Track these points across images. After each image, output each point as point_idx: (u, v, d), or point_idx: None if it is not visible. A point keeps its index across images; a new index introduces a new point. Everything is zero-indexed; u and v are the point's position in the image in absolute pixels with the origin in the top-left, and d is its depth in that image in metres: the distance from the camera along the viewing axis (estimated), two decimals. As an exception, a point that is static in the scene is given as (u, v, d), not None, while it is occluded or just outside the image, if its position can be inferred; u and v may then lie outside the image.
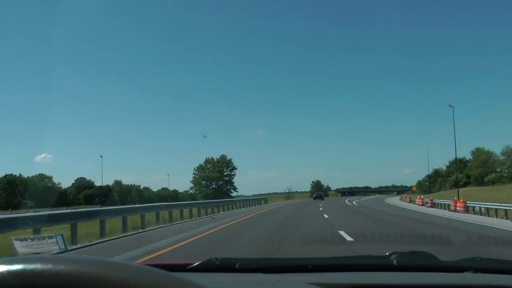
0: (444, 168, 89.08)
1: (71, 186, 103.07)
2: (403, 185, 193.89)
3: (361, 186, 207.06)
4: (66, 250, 3.67)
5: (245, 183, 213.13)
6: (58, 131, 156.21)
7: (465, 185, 68.57)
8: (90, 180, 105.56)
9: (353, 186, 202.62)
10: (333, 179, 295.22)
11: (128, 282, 0.57)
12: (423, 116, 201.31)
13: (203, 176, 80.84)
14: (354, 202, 46.36)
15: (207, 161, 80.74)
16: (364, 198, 76.84)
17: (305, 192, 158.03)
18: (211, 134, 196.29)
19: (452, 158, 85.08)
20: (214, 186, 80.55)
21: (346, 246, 8.15)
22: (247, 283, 1.53)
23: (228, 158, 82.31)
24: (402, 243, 8.19)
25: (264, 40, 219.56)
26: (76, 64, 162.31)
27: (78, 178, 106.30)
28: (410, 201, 42.14)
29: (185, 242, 9.62)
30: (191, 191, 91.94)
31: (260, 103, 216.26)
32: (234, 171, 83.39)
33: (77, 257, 0.61)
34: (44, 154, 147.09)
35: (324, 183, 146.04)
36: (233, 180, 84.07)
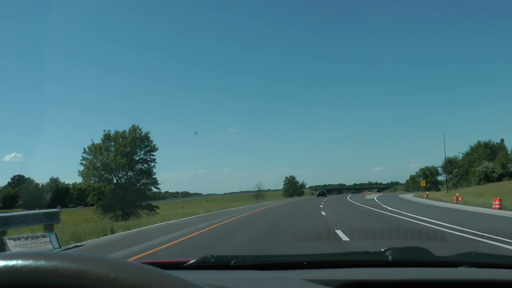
0: (460, 156, 70.31)
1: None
2: (378, 182, 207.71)
3: (336, 184, 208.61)
4: (60, 249, 3.22)
5: (217, 182, 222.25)
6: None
7: (499, 178, 49.04)
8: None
9: (327, 184, 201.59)
10: (307, 178, 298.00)
11: (108, 276, 0.56)
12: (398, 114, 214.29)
13: (99, 162, 40.95)
14: (374, 207, 26.47)
15: (107, 137, 42.00)
16: (357, 196, 59.03)
17: (277, 190, 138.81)
18: (184, 131, 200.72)
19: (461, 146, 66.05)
20: (119, 179, 42.63)
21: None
22: (242, 280, 1.51)
23: (143, 132, 43.36)
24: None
25: (240, 43, 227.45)
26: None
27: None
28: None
29: None
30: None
31: (233, 103, 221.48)
32: (153, 154, 44.16)
33: (58, 253, 0.61)
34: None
35: (299, 179, 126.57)
36: (154, 170, 44.59)
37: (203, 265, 1.73)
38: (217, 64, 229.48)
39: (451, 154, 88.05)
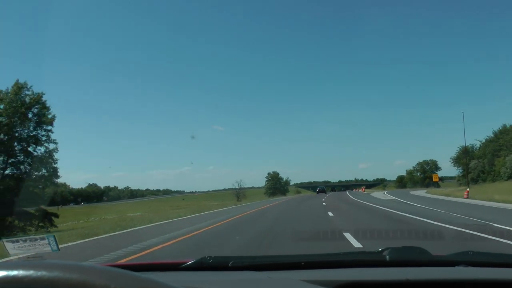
0: (478, 144, 59.31)
1: None
2: (364, 179, 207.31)
3: (321, 181, 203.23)
4: (59, 251, 2.48)
5: (202, 179, 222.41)
6: None
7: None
8: None
9: (313, 181, 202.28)
10: (292, 175, 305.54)
11: (108, 287, 0.57)
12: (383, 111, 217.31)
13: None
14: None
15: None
16: (359, 195, 48.13)
17: (260, 187, 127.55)
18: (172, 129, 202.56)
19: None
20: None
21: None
22: (240, 281, 1.53)
23: (35, 92, 28.30)
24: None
25: (226, 42, 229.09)
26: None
27: None
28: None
29: None
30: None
31: (220, 100, 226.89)
32: (49, 129, 29.05)
33: (59, 263, 0.60)
34: None
35: (283, 175, 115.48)
36: (55, 156, 29.91)
37: (201, 266, 1.72)
38: (204, 61, 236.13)
39: (443, 153, 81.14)
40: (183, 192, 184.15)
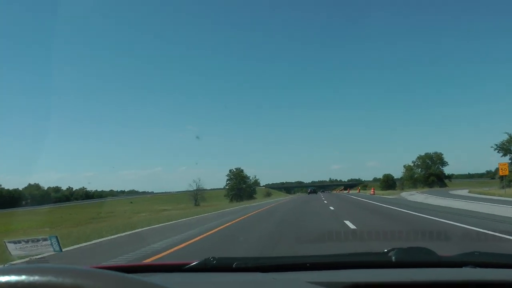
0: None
1: None
2: (338, 179, 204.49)
3: (293, 182, 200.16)
4: (61, 252, 2.90)
5: (174, 180, 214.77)
6: None
7: None
8: None
9: (285, 182, 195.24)
10: (262, 176, 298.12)
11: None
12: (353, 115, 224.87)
13: None
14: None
15: None
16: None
17: (219, 189, 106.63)
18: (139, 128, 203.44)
19: None
20: None
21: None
22: (245, 283, 1.52)
23: None
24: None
25: (196, 44, 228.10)
26: None
27: None
28: None
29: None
30: None
31: (194, 101, 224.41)
32: None
33: (53, 266, 0.60)
34: None
35: (249, 173, 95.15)
36: None
37: (205, 267, 1.70)
38: (178, 63, 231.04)
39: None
40: (151, 193, 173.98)
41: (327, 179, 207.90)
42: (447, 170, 72.37)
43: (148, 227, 13.93)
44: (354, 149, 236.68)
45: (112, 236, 10.97)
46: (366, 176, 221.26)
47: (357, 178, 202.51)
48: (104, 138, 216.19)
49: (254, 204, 33.87)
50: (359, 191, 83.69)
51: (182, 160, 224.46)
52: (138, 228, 13.32)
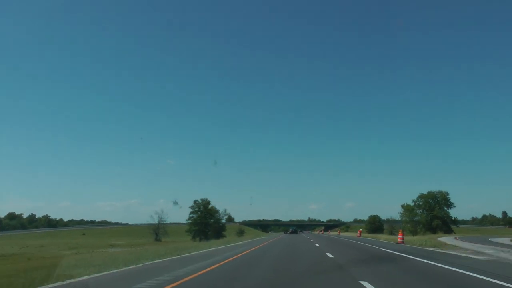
0: None
1: None
2: (317, 219, 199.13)
3: (271, 219, 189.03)
4: None
5: (149, 212, 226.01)
6: None
7: None
8: None
9: (262, 219, 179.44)
10: (238, 212, 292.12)
11: None
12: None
13: None
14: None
15: None
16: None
17: (181, 224, 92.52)
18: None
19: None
20: None
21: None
22: None
23: None
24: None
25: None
26: None
27: None
28: None
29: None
30: None
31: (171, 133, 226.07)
32: None
33: None
34: None
35: (219, 207, 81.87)
36: None
37: None
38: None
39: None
40: (125, 224, 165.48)
41: (306, 219, 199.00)
42: (453, 213, 60.39)
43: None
44: (332, 190, 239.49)
45: None
46: (345, 217, 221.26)
47: (336, 218, 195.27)
48: (83, 170, 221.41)
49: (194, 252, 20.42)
50: (339, 233, 71.51)
51: (160, 193, 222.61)
52: None
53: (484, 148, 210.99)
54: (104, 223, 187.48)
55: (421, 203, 60.00)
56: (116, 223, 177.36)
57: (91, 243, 69.08)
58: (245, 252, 17.26)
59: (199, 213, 66.63)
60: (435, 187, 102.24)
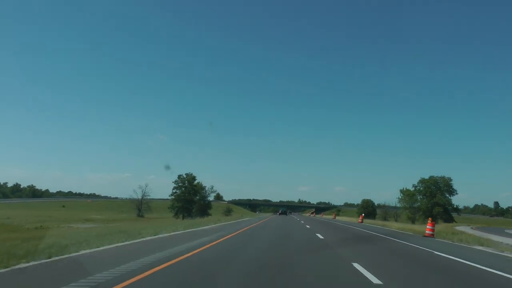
0: None
1: None
2: (307, 201, 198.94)
3: (261, 199, 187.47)
4: None
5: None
6: None
7: None
8: None
9: (252, 199, 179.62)
10: (228, 192, 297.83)
11: None
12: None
13: None
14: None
15: None
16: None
17: (164, 199, 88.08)
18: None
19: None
20: None
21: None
22: None
23: None
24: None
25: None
26: None
27: None
28: None
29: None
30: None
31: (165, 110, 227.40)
32: None
33: None
34: None
35: (206, 183, 77.39)
36: None
37: None
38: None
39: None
40: (115, 198, 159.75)
41: (296, 200, 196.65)
42: (454, 201, 56.51)
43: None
44: (323, 173, 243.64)
45: None
46: (335, 201, 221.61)
47: (326, 201, 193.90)
48: (73, 139, 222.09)
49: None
50: (335, 217, 67.81)
51: (152, 168, 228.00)
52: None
53: (478, 138, 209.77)
54: (93, 196, 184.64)
55: (421, 189, 55.94)
56: (106, 197, 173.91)
57: (65, 217, 64.56)
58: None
59: (183, 188, 62.04)
60: (426, 174, 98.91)
